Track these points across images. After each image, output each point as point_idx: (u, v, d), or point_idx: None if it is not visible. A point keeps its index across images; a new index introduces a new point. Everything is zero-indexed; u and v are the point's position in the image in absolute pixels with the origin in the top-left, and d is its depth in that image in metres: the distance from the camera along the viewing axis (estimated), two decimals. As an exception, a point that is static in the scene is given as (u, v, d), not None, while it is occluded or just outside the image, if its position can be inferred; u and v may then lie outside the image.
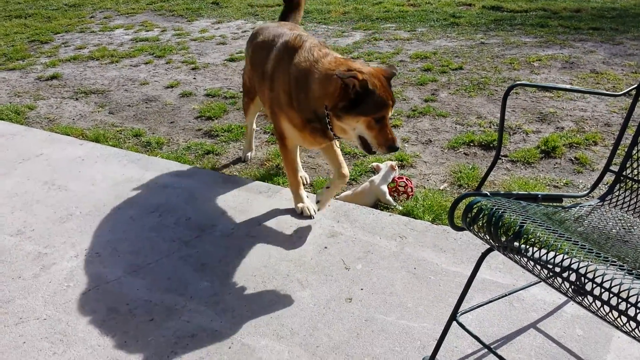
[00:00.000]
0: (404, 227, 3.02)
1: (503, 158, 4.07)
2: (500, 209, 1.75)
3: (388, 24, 8.79)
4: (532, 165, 3.91)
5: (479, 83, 5.61)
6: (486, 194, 1.83)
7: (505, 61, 6.34)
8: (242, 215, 3.22)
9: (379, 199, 3.42)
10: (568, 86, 1.90)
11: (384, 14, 9.45)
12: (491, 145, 4.22)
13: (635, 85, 2.08)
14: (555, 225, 1.79)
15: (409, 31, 8.18)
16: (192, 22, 9.38)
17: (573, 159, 3.97)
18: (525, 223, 1.72)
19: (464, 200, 1.83)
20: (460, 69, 6.15)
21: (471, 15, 9.01)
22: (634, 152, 2.05)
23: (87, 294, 2.60)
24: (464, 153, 4.17)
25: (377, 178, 3.49)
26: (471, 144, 4.27)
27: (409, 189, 3.50)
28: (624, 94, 2.07)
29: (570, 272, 1.50)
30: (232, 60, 6.93)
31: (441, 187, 3.66)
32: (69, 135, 4.62)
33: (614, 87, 5.37)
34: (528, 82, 1.95)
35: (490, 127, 4.58)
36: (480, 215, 1.76)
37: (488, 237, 1.81)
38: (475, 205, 1.75)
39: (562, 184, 3.64)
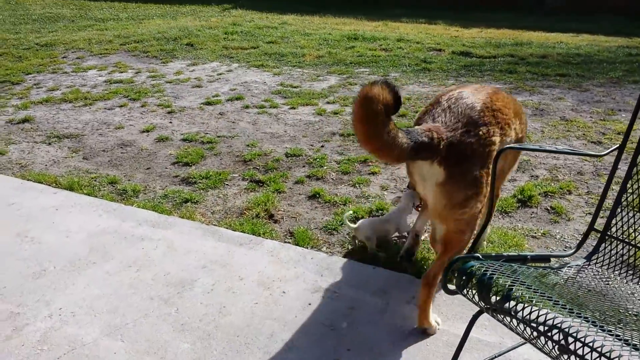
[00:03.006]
0: (388, 282, 3.00)
1: (481, 207, 4.12)
2: (492, 272, 1.75)
3: (362, 68, 8.96)
4: (510, 214, 3.97)
5: (454, 130, 5.71)
6: (478, 256, 1.83)
7: (477, 108, 6.49)
8: (222, 270, 3.15)
9: (398, 230, 3.47)
10: (555, 148, 1.95)
11: (357, 58, 9.63)
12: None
13: (617, 145, 2.14)
14: (546, 288, 1.81)
15: (382, 76, 8.34)
16: (166, 64, 9.39)
17: (549, 208, 4.04)
18: (514, 285, 1.73)
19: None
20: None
21: (442, 61, 9.26)
22: (618, 210, 2.09)
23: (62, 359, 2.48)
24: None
25: (396, 211, 3.52)
26: (449, 193, 4.32)
27: None
28: (607, 154, 2.12)
29: (555, 330, 1.52)
30: (208, 103, 6.93)
31: (422, 238, 3.66)
32: (41, 182, 4.51)
33: (584, 134, 5.54)
34: (518, 145, 1.98)
35: (466, 175, 4.64)
36: (472, 279, 1.77)
37: (478, 300, 1.81)
38: (468, 270, 1.75)
39: (539, 234, 3.70)
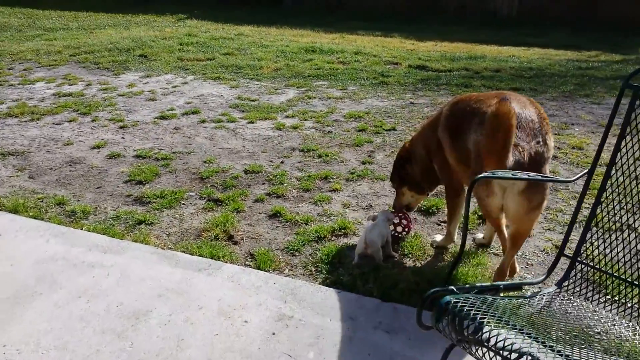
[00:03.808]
0: (354, 307, 2.91)
1: (442, 224, 4.10)
2: (467, 307, 1.69)
3: (320, 81, 8.92)
4: (472, 232, 3.95)
5: (414, 145, 5.71)
6: (453, 289, 1.77)
7: (436, 122, 6.53)
8: (180, 299, 2.99)
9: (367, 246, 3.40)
10: (527, 175, 1.91)
11: (315, 71, 9.59)
12: (430, 210, 4.25)
13: (586, 170, 2.12)
14: (517, 319, 1.76)
15: (341, 89, 8.31)
16: (118, 76, 9.11)
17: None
18: (486, 318, 1.68)
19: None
20: (393, 129, 6.26)
21: (399, 75, 9.32)
22: (588, 237, 2.07)
23: (4, 404, 2.28)
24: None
25: (370, 227, 3.49)
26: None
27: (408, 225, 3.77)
28: (576, 180, 2.10)
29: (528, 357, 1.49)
30: (163, 117, 6.72)
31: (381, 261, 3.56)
32: (-18, 204, 4.23)
33: (539, 149, 5.62)
34: (491, 174, 1.93)
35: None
36: (447, 314, 1.71)
37: (451, 332, 1.75)
38: (443, 305, 1.68)
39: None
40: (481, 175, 1.89)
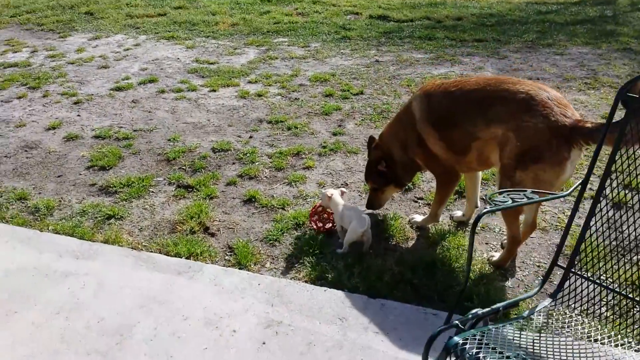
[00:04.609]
0: (342, 306, 2.89)
1: (419, 201, 4.08)
2: (470, 345, 1.69)
3: (280, 37, 8.61)
4: (449, 210, 3.94)
5: (382, 111, 5.62)
6: (457, 324, 1.75)
7: (402, 83, 6.43)
8: (163, 309, 2.90)
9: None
10: (527, 200, 1.86)
11: (274, 25, 9.24)
12: (407, 187, 4.20)
13: (578, 183, 2.09)
14: (518, 349, 1.78)
15: (303, 47, 8.05)
16: (65, 39, 8.56)
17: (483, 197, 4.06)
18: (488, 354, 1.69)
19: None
20: (361, 93, 6.13)
21: (361, 27, 9.07)
22: (582, 248, 2.06)
23: None
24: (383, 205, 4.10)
25: (354, 213, 3.42)
26: (387, 186, 4.23)
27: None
28: (567, 195, 2.07)
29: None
30: (118, 89, 6.38)
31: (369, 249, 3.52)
32: None
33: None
34: (495, 207, 1.87)
35: (402, 163, 4.58)
36: (451, 355, 1.70)
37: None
38: (450, 347, 1.66)
39: (479, 228, 3.70)
40: (485, 210, 1.83)
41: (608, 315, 2.03)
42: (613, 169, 1.98)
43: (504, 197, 1.97)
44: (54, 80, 6.63)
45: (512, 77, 3.26)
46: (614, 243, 1.99)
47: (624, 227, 1.96)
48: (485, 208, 1.88)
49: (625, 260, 2.03)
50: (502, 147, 2.93)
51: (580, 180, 2.07)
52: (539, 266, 3.30)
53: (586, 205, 3.58)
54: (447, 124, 3.22)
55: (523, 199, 1.97)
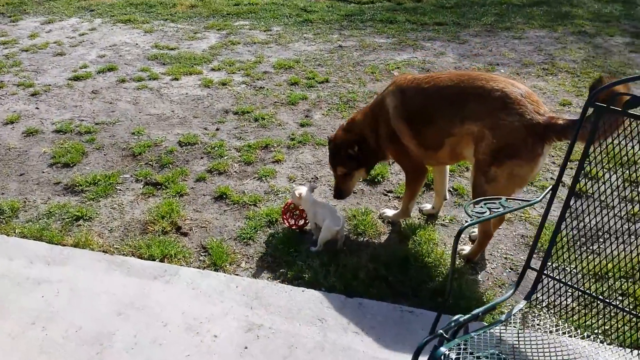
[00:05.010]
0: (321, 306, 2.95)
1: (389, 194, 4.16)
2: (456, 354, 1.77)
3: (241, 21, 8.48)
4: (418, 203, 4.03)
5: (348, 100, 5.64)
6: (441, 334, 1.82)
7: (367, 70, 6.46)
8: (141, 315, 2.89)
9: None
10: (504, 210, 1.94)
11: (234, 8, 9.09)
12: (376, 180, 4.27)
13: (550, 188, 2.19)
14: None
15: (264, 31, 7.95)
16: (17, 23, 8.20)
17: (451, 189, 4.17)
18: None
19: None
20: (326, 81, 6.13)
21: (322, 10, 9.02)
22: (553, 251, 2.17)
23: None
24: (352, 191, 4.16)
25: (327, 212, 3.44)
26: (357, 179, 4.28)
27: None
28: (539, 201, 2.17)
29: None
30: (77, 78, 6.18)
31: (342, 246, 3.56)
32: None
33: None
34: (475, 220, 1.94)
35: (370, 155, 4.63)
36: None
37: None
38: (438, 358, 1.74)
39: (447, 220, 3.81)
40: (467, 224, 1.90)
41: (574, 311, 2.16)
42: (586, 168, 2.07)
43: (481, 207, 2.05)
44: (9, 70, 6.36)
45: (483, 72, 3.32)
46: (581, 237, 2.11)
47: (589, 217, 2.07)
48: (462, 206, 1.95)
49: (589, 252, 2.15)
50: (478, 143, 3.02)
51: (551, 186, 2.16)
52: (506, 258, 3.44)
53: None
54: (421, 120, 3.27)
55: (499, 208, 2.05)
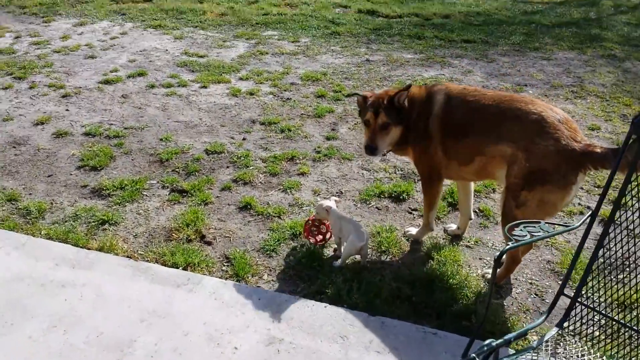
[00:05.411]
0: (343, 323, 2.93)
1: (414, 212, 4.14)
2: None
3: (270, 31, 8.54)
4: (443, 222, 4.01)
5: (375, 114, 5.63)
6: (474, 358, 1.80)
7: (394, 85, 6.45)
8: (163, 322, 2.91)
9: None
10: (545, 234, 1.91)
11: (263, 17, 9.17)
12: (401, 197, 4.26)
13: (590, 213, 2.16)
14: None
15: (293, 42, 8.01)
16: (49, 24, 8.36)
17: (477, 210, 4.14)
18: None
19: None
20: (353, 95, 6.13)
21: (350, 22, 9.06)
22: (589, 279, 2.13)
23: None
24: (377, 207, 4.15)
25: (352, 226, 3.42)
26: (382, 196, 4.27)
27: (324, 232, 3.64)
28: (579, 227, 2.13)
29: None
30: (107, 82, 6.28)
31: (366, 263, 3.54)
32: None
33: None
34: (517, 244, 1.92)
35: (394, 172, 4.62)
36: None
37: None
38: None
39: (472, 242, 3.77)
40: (508, 247, 1.88)
41: (607, 340, 2.12)
42: (627, 199, 2.03)
43: (520, 229, 2.02)
44: (40, 70, 6.48)
45: (524, 95, 3.26)
46: (612, 265, 2.08)
47: (620, 245, 2.03)
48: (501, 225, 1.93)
49: (618, 280, 2.11)
50: (510, 165, 2.99)
51: (590, 212, 2.13)
52: (531, 283, 3.39)
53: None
54: (456, 131, 3.25)
55: (539, 232, 2.01)
